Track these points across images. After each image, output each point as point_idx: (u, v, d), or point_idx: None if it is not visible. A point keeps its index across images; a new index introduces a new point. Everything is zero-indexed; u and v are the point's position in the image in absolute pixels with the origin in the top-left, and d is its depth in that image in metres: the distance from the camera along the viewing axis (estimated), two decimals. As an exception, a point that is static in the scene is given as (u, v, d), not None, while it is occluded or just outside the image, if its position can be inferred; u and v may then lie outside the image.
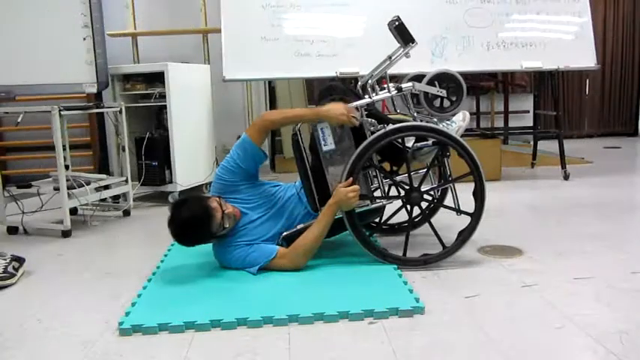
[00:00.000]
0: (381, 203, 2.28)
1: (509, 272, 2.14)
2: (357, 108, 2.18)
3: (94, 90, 3.39)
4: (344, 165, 2.16)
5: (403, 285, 1.98)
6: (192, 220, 2.08)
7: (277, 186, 2.40)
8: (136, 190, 3.62)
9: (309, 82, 5.47)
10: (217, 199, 2.16)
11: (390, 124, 2.20)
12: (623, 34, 6.54)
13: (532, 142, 4.80)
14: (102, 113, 3.93)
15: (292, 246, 2.18)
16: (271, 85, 5.09)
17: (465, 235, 2.22)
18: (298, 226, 2.27)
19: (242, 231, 2.23)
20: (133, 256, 2.55)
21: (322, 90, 2.38)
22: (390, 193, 2.53)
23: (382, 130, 2.14)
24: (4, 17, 3.06)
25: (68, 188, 2.96)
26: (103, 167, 4.17)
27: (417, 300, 1.83)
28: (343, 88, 2.36)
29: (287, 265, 2.16)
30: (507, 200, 3.47)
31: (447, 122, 2.37)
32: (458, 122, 2.36)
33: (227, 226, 2.14)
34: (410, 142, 2.30)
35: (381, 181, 2.26)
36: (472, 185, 2.19)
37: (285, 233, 2.26)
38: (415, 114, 2.39)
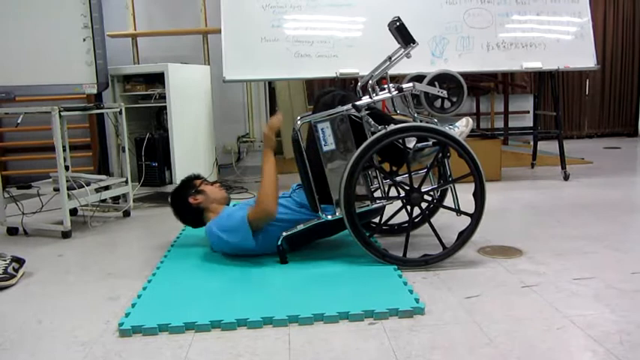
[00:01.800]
0: (381, 204, 2.28)
1: (509, 273, 2.14)
2: (358, 108, 2.18)
3: (94, 91, 3.39)
4: (344, 165, 2.16)
5: (403, 285, 1.98)
6: (181, 181, 2.66)
7: None
8: (136, 191, 3.62)
9: (309, 83, 5.48)
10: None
11: (391, 124, 2.20)
12: (623, 34, 6.55)
13: (532, 143, 4.80)
14: (102, 114, 3.92)
15: (256, 200, 2.28)
16: (271, 86, 5.10)
17: (465, 236, 2.22)
18: (298, 227, 2.28)
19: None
20: (133, 257, 2.55)
21: (320, 96, 2.38)
22: (390, 194, 2.53)
23: (383, 131, 2.14)
24: (4, 18, 3.05)
25: (68, 189, 2.96)
26: (103, 168, 4.17)
27: (418, 300, 1.83)
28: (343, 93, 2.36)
29: (260, 215, 2.24)
30: (507, 201, 3.47)
31: (450, 126, 2.36)
32: (460, 127, 2.36)
33: (204, 189, 2.51)
34: (411, 143, 2.30)
35: (381, 181, 2.26)
36: (472, 186, 2.19)
37: (284, 233, 2.27)
38: (415, 114, 2.38)
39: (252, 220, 2.23)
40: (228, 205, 2.55)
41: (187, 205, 2.50)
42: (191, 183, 2.58)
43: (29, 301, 2.04)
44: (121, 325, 1.72)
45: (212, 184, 2.61)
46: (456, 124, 2.38)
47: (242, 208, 2.31)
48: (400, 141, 2.21)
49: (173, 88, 3.66)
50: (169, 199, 2.61)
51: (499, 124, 5.93)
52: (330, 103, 2.24)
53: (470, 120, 2.40)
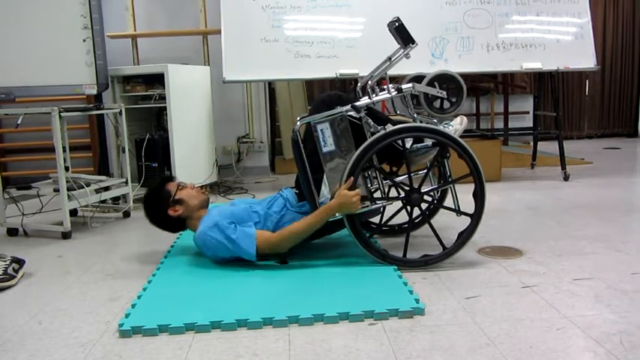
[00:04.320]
0: (381, 204, 2.28)
1: (509, 273, 2.14)
2: (357, 109, 2.18)
3: (94, 91, 3.39)
4: (344, 166, 2.16)
5: (403, 286, 1.98)
6: (150, 188, 2.47)
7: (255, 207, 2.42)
8: (135, 192, 3.62)
9: (309, 84, 5.48)
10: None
11: (390, 125, 2.20)
12: (623, 35, 6.55)
13: (532, 143, 4.80)
14: (102, 115, 3.93)
15: (279, 232, 2.21)
16: (271, 87, 5.10)
17: (465, 236, 2.22)
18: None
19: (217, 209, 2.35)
20: (132, 258, 2.55)
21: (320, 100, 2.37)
22: (390, 194, 2.53)
23: (382, 132, 2.14)
24: (4, 19, 3.05)
25: (68, 190, 2.96)
26: (103, 169, 4.17)
27: (417, 301, 1.83)
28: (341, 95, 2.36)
29: (270, 243, 2.18)
30: (507, 201, 3.47)
31: (445, 124, 2.37)
32: (455, 125, 2.36)
33: (182, 197, 2.36)
34: (408, 144, 2.30)
35: (381, 182, 2.26)
36: (472, 186, 2.19)
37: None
38: (415, 115, 2.39)
39: (262, 248, 2.18)
40: (207, 205, 2.44)
41: (167, 217, 2.37)
42: (165, 191, 2.38)
43: (29, 302, 2.04)
44: (121, 325, 1.72)
45: (186, 186, 2.44)
46: (451, 122, 2.38)
47: (247, 236, 2.18)
48: (399, 142, 2.22)
49: (173, 89, 3.67)
50: (144, 208, 2.44)
51: (499, 124, 5.94)
52: (328, 102, 2.24)
53: (464, 118, 2.40)
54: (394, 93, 2.28)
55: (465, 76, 2.59)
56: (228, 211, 2.31)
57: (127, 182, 3.44)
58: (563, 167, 4.13)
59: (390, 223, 2.71)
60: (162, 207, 2.37)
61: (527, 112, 6.28)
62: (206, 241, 2.24)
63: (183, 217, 2.38)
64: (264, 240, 2.18)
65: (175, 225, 2.42)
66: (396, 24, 2.19)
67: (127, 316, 1.80)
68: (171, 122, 3.67)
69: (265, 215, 2.35)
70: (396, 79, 3.11)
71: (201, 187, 2.53)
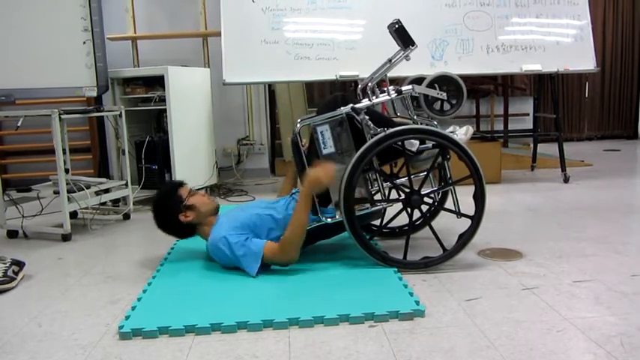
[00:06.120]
0: (381, 206, 2.28)
1: (509, 275, 2.14)
2: (357, 111, 2.18)
3: (94, 94, 3.39)
4: (344, 168, 2.16)
5: (403, 288, 1.98)
6: (161, 192, 2.41)
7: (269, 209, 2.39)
8: (135, 194, 3.62)
9: (309, 86, 5.48)
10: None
11: (390, 127, 2.20)
12: (623, 36, 6.56)
13: (532, 145, 4.80)
14: (102, 117, 3.93)
15: (279, 242, 2.16)
16: (271, 89, 5.10)
17: (465, 238, 2.22)
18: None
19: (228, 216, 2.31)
20: (133, 260, 2.55)
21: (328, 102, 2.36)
22: (391, 196, 2.52)
23: (382, 134, 2.14)
24: (4, 21, 3.06)
25: (68, 192, 2.96)
26: (103, 171, 4.17)
27: (418, 303, 1.83)
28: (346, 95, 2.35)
29: (278, 259, 2.15)
30: (507, 203, 3.47)
31: (450, 131, 2.36)
32: (460, 135, 2.35)
33: (194, 203, 2.31)
34: (413, 147, 2.29)
35: (381, 184, 2.25)
36: (472, 188, 2.19)
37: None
38: (415, 117, 2.38)
39: (267, 259, 2.14)
40: (217, 212, 2.40)
41: (177, 222, 2.30)
42: (176, 195, 2.32)
43: (29, 304, 2.04)
44: (121, 327, 1.72)
45: (197, 193, 2.41)
46: (457, 131, 2.37)
47: (254, 249, 2.14)
48: (399, 143, 2.22)
49: (173, 91, 3.67)
50: (153, 213, 2.34)
51: (499, 126, 5.94)
52: (333, 103, 2.24)
53: (470, 128, 2.39)
54: (394, 95, 2.28)
55: (464, 77, 2.59)
56: (238, 220, 2.26)
57: (127, 184, 3.44)
58: (563, 169, 4.13)
59: (390, 225, 2.71)
60: (174, 212, 2.30)
61: (527, 114, 6.29)
62: (217, 252, 2.23)
63: (194, 224, 2.33)
64: (270, 256, 2.14)
65: (184, 231, 2.35)
66: (396, 26, 2.19)
67: (127, 318, 1.80)
68: (171, 124, 3.67)
69: (284, 219, 2.27)
70: (397, 81, 3.11)
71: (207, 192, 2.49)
